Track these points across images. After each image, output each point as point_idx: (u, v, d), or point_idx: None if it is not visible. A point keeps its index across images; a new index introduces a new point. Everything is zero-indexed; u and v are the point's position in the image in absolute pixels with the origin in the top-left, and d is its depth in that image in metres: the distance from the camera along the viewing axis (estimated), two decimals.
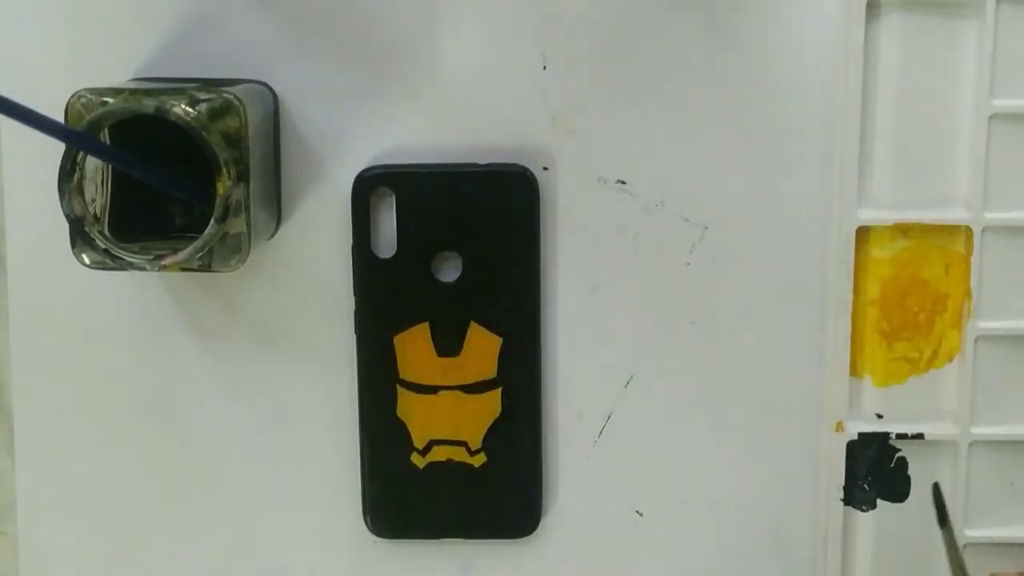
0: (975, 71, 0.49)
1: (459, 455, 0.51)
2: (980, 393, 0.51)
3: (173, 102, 0.43)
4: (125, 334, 0.51)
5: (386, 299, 0.50)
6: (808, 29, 0.50)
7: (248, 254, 0.45)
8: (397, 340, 0.50)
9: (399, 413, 0.51)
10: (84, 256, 0.44)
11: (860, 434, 0.51)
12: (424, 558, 0.53)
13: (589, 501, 0.52)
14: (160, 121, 0.42)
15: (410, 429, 0.51)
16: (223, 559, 0.53)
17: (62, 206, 0.43)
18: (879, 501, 0.52)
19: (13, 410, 0.52)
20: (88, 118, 0.42)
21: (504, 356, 0.50)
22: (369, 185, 0.50)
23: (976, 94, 0.49)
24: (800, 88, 0.50)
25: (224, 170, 0.43)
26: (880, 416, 0.51)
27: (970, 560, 0.51)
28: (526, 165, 0.50)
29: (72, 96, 0.44)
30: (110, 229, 0.44)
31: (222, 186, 0.43)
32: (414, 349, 0.50)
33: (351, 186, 0.50)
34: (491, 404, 0.51)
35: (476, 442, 0.51)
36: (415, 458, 0.51)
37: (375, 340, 0.50)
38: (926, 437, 0.51)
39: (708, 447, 0.52)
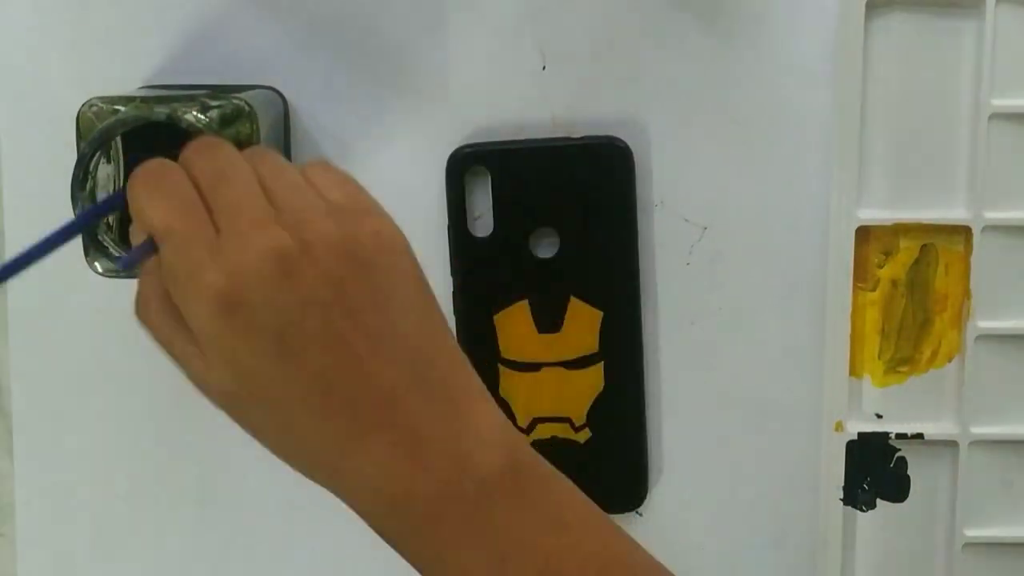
0: (974, 70, 0.49)
1: (564, 432, 0.51)
2: (979, 393, 0.51)
3: (184, 109, 0.43)
4: (127, 335, 0.51)
5: (485, 278, 0.50)
6: (808, 28, 0.50)
7: None
8: (497, 319, 0.50)
9: (502, 392, 0.50)
10: (97, 264, 0.44)
11: (860, 434, 0.51)
12: None
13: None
14: (171, 129, 0.42)
15: (513, 408, 0.50)
16: (225, 562, 0.53)
17: (75, 215, 0.42)
18: (879, 501, 0.52)
19: (12, 412, 0.51)
20: (100, 126, 0.42)
21: (605, 330, 0.50)
22: (463, 163, 0.49)
23: (975, 93, 0.49)
24: (800, 87, 0.50)
25: None
26: (880, 416, 0.51)
27: (969, 560, 0.52)
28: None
29: (83, 105, 0.43)
30: (121, 238, 0.44)
31: None
32: (515, 327, 0.50)
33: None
34: (594, 379, 0.50)
35: (580, 418, 0.51)
36: None
37: (475, 320, 0.50)
38: (926, 437, 0.51)
39: (708, 447, 0.52)
